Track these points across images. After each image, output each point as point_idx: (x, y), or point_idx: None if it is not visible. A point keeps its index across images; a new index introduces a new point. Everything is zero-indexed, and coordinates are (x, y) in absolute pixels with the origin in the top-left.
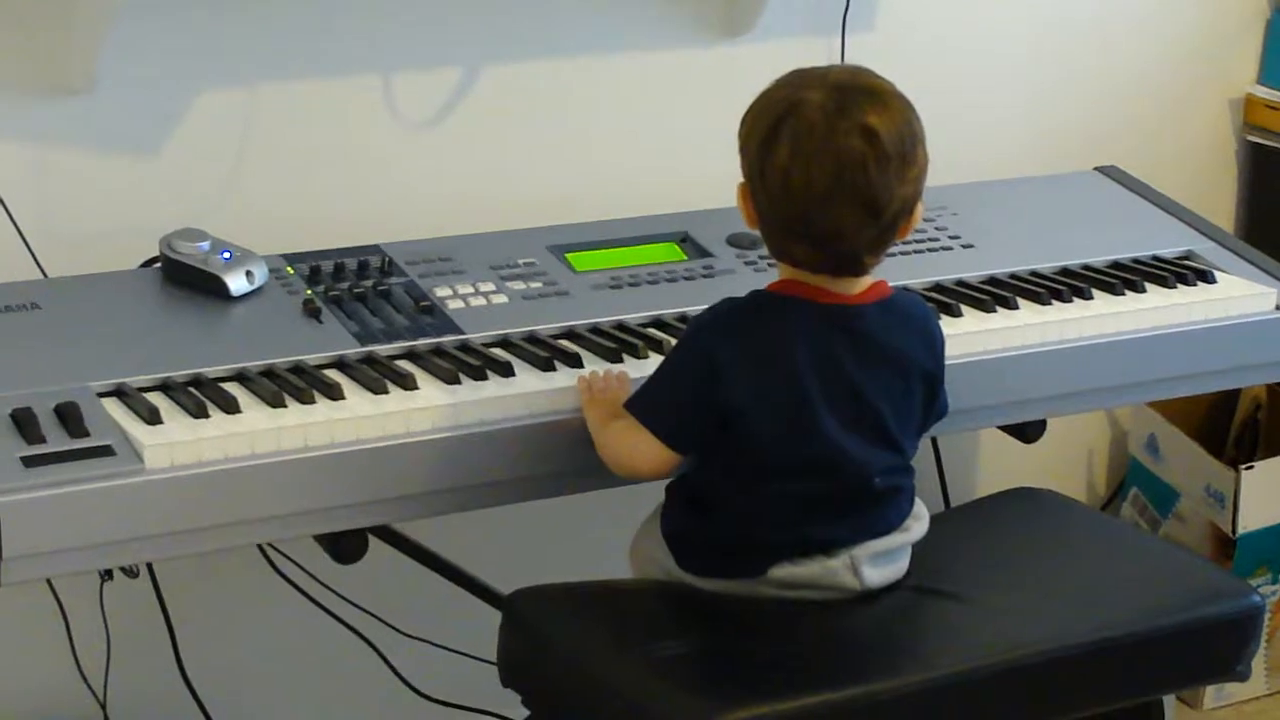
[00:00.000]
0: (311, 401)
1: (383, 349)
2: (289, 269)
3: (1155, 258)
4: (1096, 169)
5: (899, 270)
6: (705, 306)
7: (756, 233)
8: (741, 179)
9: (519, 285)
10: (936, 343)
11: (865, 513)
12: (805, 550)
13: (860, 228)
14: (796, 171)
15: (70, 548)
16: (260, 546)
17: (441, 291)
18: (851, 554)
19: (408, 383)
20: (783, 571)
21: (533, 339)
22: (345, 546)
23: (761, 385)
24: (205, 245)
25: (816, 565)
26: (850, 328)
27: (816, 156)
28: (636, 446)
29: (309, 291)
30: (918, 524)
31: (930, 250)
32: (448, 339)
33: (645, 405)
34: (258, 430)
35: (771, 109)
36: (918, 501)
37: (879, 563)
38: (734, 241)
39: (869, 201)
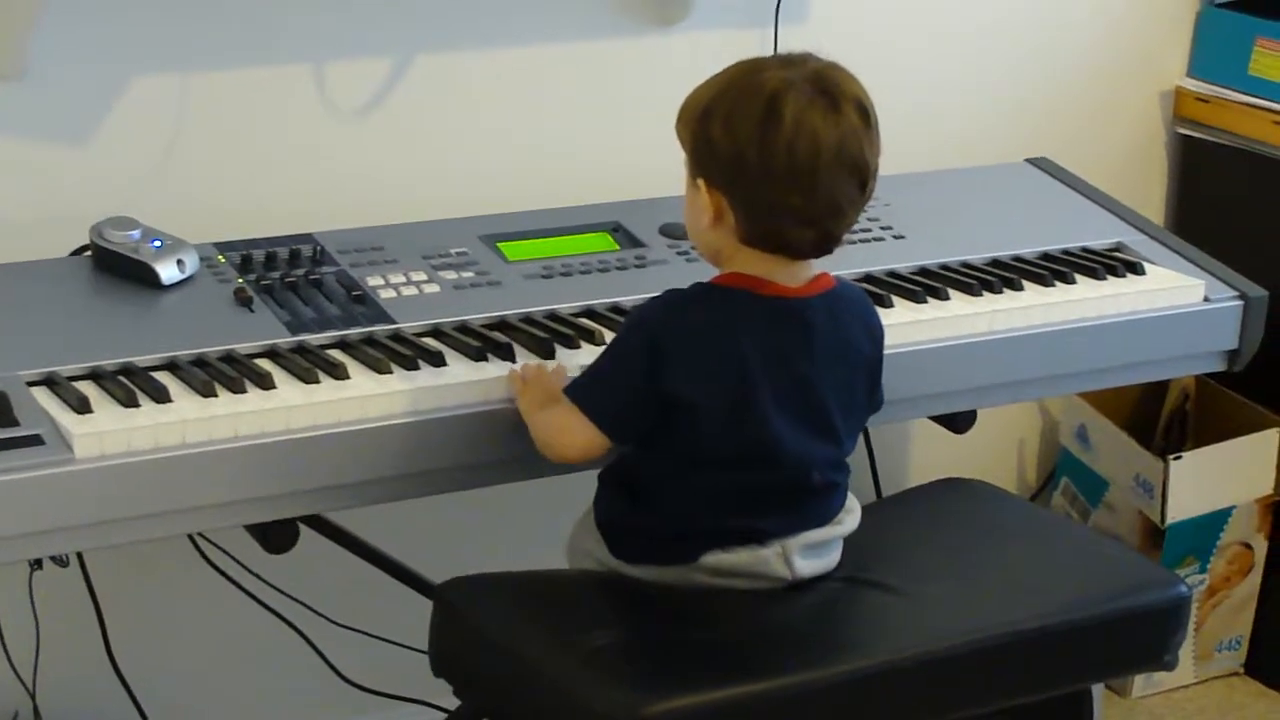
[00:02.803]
0: (243, 391)
1: (314, 338)
2: (220, 257)
3: (1085, 249)
4: (1027, 160)
5: (832, 261)
6: (638, 296)
7: None
8: (696, 179)
9: (451, 275)
10: (877, 332)
11: (801, 506)
12: (738, 539)
13: (851, 203)
14: (803, 145)
15: None
16: (191, 536)
17: (373, 281)
18: (784, 544)
19: (339, 372)
20: (714, 559)
21: (465, 329)
22: (276, 536)
23: (706, 378)
24: (136, 234)
25: (748, 553)
26: (797, 321)
27: (822, 130)
28: (568, 430)
29: (240, 280)
30: (850, 517)
31: (862, 241)
32: (379, 328)
33: (585, 393)
34: (188, 419)
35: (757, 92)
36: (850, 496)
37: (810, 554)
38: (666, 231)
39: (862, 175)
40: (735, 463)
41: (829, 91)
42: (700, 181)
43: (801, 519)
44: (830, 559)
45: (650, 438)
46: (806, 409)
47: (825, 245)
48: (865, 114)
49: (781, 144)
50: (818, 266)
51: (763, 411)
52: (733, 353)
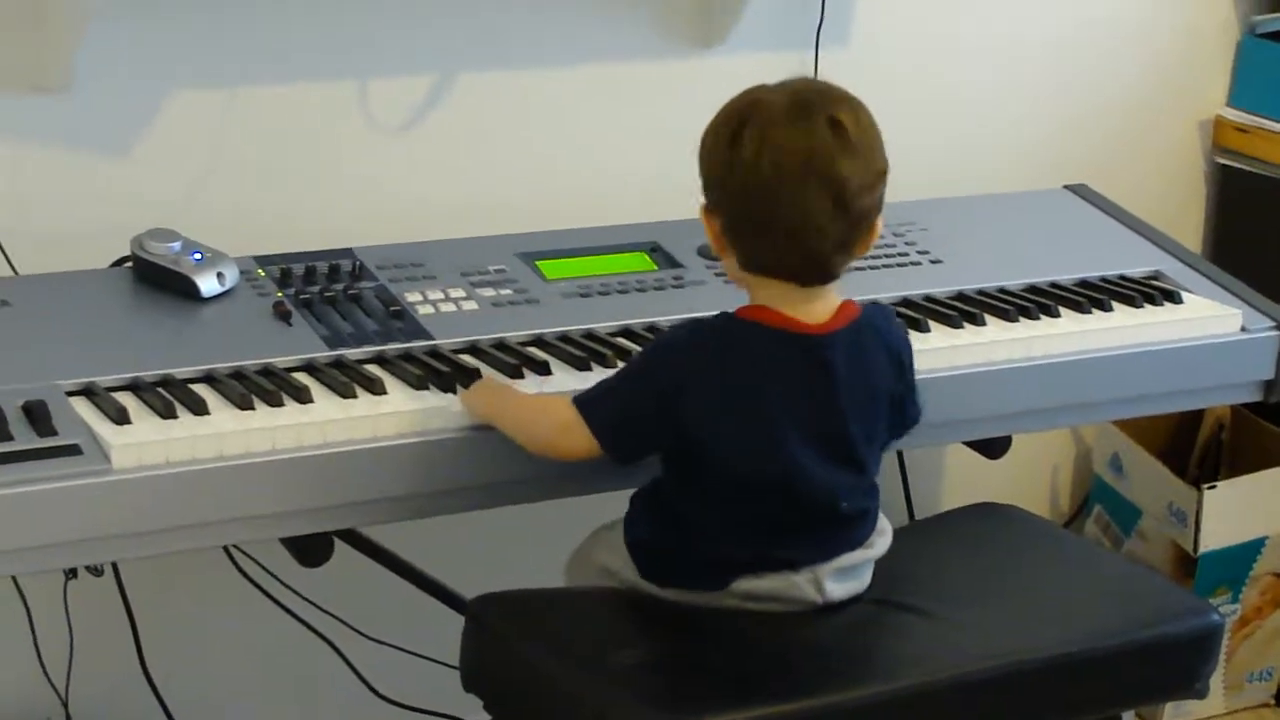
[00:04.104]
0: (280, 404)
1: (352, 353)
2: (260, 271)
3: (1123, 277)
4: (1066, 187)
5: (867, 285)
6: (675, 317)
7: None
8: (703, 202)
9: (489, 292)
10: (903, 358)
11: (831, 534)
12: (769, 566)
13: (829, 219)
14: (766, 160)
15: (35, 546)
16: (225, 548)
17: (412, 297)
18: (815, 570)
19: (376, 387)
20: (746, 585)
21: (502, 346)
22: (310, 549)
23: (725, 412)
24: (177, 246)
25: (780, 580)
26: (820, 359)
27: (785, 144)
28: (567, 430)
29: (279, 294)
30: (881, 539)
31: (899, 265)
32: (417, 344)
33: (593, 405)
34: (225, 432)
35: (732, 114)
36: (881, 517)
37: (841, 578)
38: (704, 252)
39: (838, 190)
40: (761, 495)
41: (801, 107)
42: (704, 208)
43: (833, 546)
44: (861, 581)
45: (675, 465)
46: (830, 442)
47: (819, 267)
48: (839, 127)
49: (747, 161)
50: (843, 294)
51: (784, 447)
52: (753, 389)
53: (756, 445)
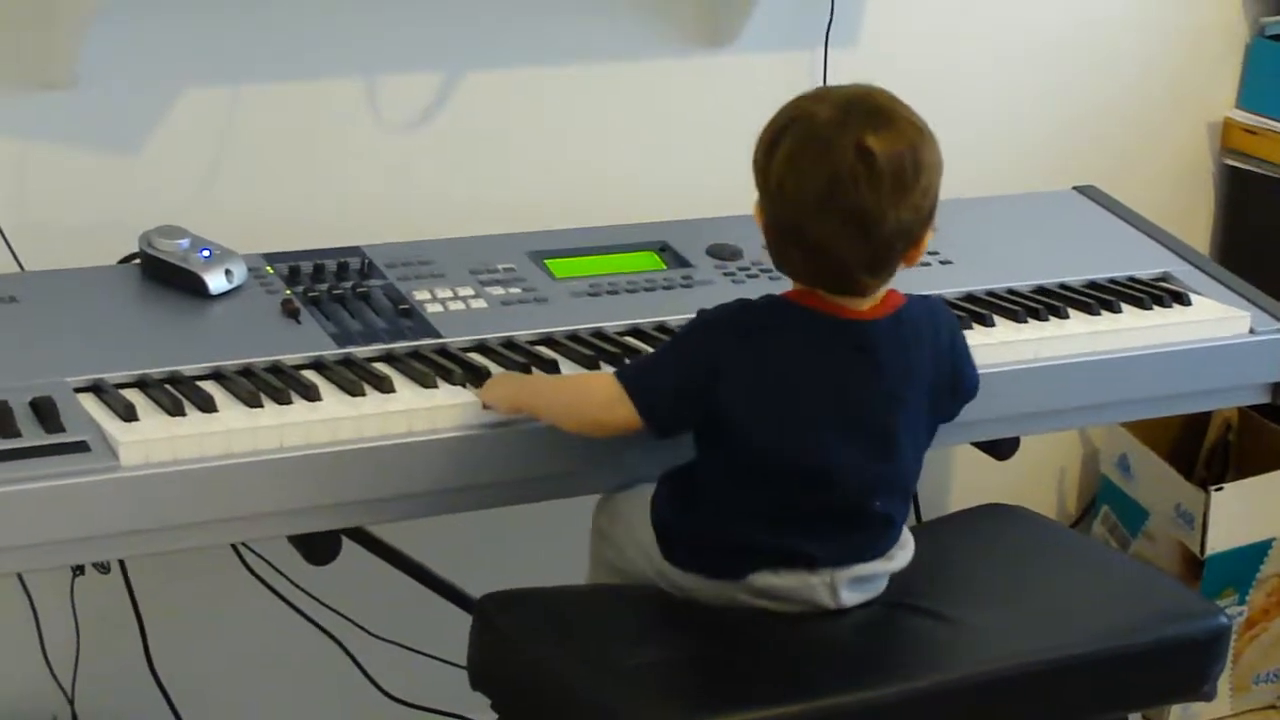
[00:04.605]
0: (288, 402)
1: (360, 351)
2: (268, 268)
3: (1132, 279)
4: (1075, 189)
5: None
6: (683, 316)
7: (736, 244)
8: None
9: (498, 290)
10: (944, 347)
11: (856, 533)
12: (789, 562)
13: (849, 245)
14: (790, 180)
15: (43, 543)
16: (233, 545)
17: (420, 295)
18: (833, 574)
19: (385, 385)
20: (762, 580)
21: (510, 345)
22: (318, 548)
23: (762, 393)
24: (185, 243)
25: (796, 579)
26: (861, 345)
27: (811, 167)
28: (610, 403)
29: (288, 291)
30: (902, 554)
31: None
32: (425, 342)
33: (636, 377)
34: (234, 429)
35: (779, 119)
36: (905, 531)
37: (857, 587)
38: (713, 252)
39: (859, 219)
40: (790, 482)
41: (837, 127)
42: (756, 203)
43: (855, 549)
44: (875, 590)
45: (709, 445)
46: (868, 432)
47: (846, 285)
48: (867, 155)
49: (774, 180)
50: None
51: (821, 435)
52: (791, 373)
53: (793, 430)
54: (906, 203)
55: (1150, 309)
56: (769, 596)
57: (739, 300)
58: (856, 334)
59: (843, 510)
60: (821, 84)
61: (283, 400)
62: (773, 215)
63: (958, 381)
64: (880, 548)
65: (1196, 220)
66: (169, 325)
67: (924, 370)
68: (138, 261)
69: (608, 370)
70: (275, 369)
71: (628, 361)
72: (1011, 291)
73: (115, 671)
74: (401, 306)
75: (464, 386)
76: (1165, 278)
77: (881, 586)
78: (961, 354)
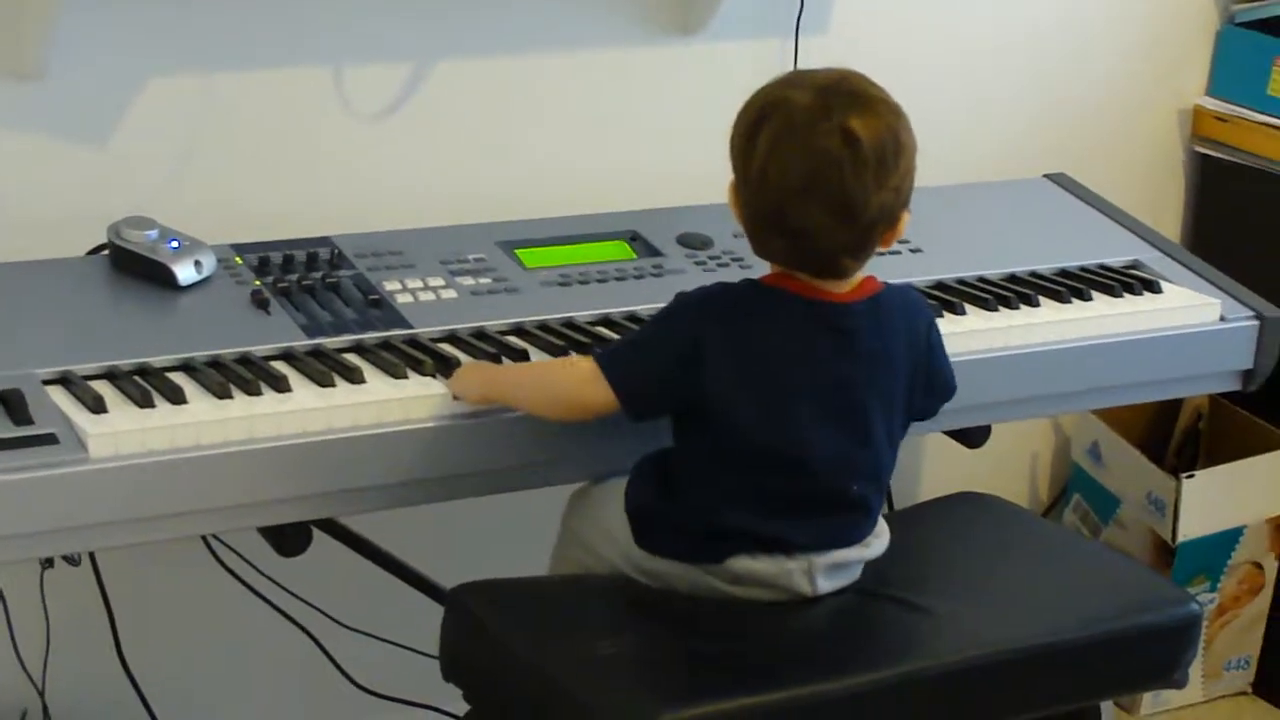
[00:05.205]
0: (258, 393)
1: (330, 342)
2: (237, 259)
3: (1102, 266)
4: (1046, 176)
5: None
6: (654, 305)
7: (706, 233)
8: (732, 177)
9: (468, 280)
10: (922, 334)
11: (834, 519)
12: (767, 546)
13: (834, 229)
14: (773, 167)
15: (11, 535)
16: (203, 537)
17: (390, 285)
18: (810, 559)
19: (355, 376)
20: (740, 564)
21: (481, 335)
22: (289, 539)
23: (742, 377)
24: (153, 234)
25: (774, 564)
26: (839, 327)
27: (793, 154)
28: (588, 384)
29: (257, 282)
30: (878, 542)
31: (878, 254)
32: (396, 333)
33: (614, 362)
34: (203, 421)
35: (756, 105)
36: (881, 521)
37: (833, 574)
38: (684, 241)
39: (843, 204)
40: (770, 466)
41: (819, 112)
42: (730, 185)
43: (832, 535)
44: (850, 577)
45: (688, 430)
46: (846, 417)
47: (828, 268)
48: (852, 139)
49: (757, 166)
50: (864, 271)
51: (799, 418)
52: (769, 356)
53: (772, 414)
54: (888, 185)
55: (1121, 297)
56: (746, 582)
57: (718, 283)
58: (834, 316)
59: (821, 495)
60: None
61: (252, 391)
62: (754, 202)
63: (933, 376)
64: (857, 534)
65: (1167, 208)
66: (138, 317)
67: (899, 358)
68: (106, 253)
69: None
70: (245, 360)
71: (608, 345)
72: (982, 279)
73: (86, 664)
74: (371, 297)
75: (434, 377)
76: (1136, 265)
77: (856, 574)
78: (937, 349)
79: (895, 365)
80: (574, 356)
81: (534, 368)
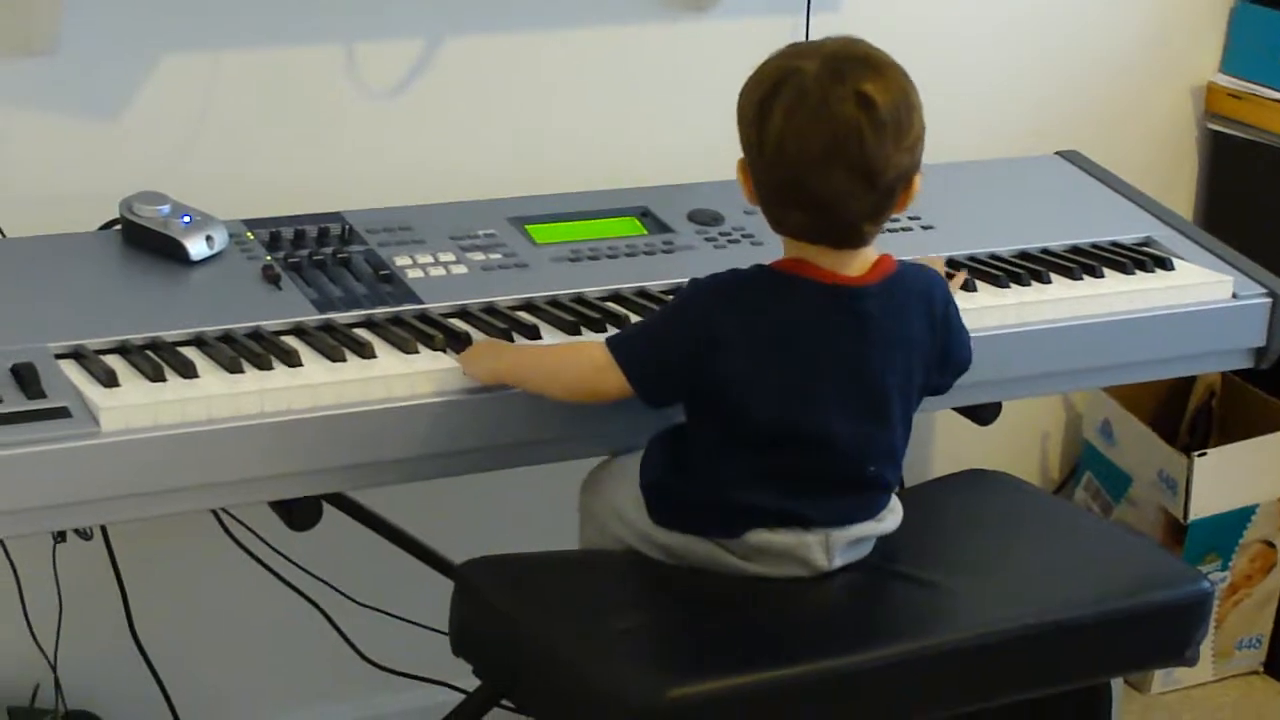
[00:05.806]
0: (269, 368)
1: (341, 317)
2: (249, 234)
3: (1114, 243)
4: (1058, 153)
5: None
6: (665, 282)
7: (717, 210)
8: (741, 154)
9: (479, 256)
10: (938, 313)
11: (850, 496)
12: (785, 521)
13: (857, 195)
14: (791, 138)
15: (24, 509)
16: (214, 511)
17: (401, 260)
18: (829, 533)
19: (366, 351)
20: (758, 537)
21: (491, 310)
22: (299, 513)
23: (759, 363)
24: (165, 209)
25: (793, 537)
26: (854, 309)
27: (811, 123)
28: (600, 370)
29: (269, 258)
30: (892, 516)
31: (890, 231)
32: (407, 308)
33: (629, 351)
34: (214, 395)
35: (766, 78)
36: (893, 495)
37: (849, 549)
38: (694, 217)
39: (865, 169)
40: (787, 446)
41: (832, 79)
42: (740, 163)
43: (849, 512)
44: (863, 552)
45: (704, 412)
46: (863, 397)
47: (848, 236)
48: (868, 103)
49: (773, 137)
50: (879, 249)
51: (816, 401)
52: (785, 341)
53: (789, 398)
54: (904, 145)
55: (1133, 274)
56: (762, 555)
57: (730, 270)
58: (851, 300)
59: (839, 475)
60: None
61: (264, 366)
62: (770, 175)
63: (947, 353)
64: (872, 509)
65: (1180, 185)
66: (150, 291)
67: (916, 337)
68: (118, 228)
69: (592, 337)
70: (256, 335)
71: (617, 330)
72: (994, 256)
73: (98, 638)
74: (382, 272)
75: (445, 352)
76: (1148, 242)
77: (868, 549)
78: (954, 326)
79: (913, 346)
80: (586, 342)
81: (547, 352)
